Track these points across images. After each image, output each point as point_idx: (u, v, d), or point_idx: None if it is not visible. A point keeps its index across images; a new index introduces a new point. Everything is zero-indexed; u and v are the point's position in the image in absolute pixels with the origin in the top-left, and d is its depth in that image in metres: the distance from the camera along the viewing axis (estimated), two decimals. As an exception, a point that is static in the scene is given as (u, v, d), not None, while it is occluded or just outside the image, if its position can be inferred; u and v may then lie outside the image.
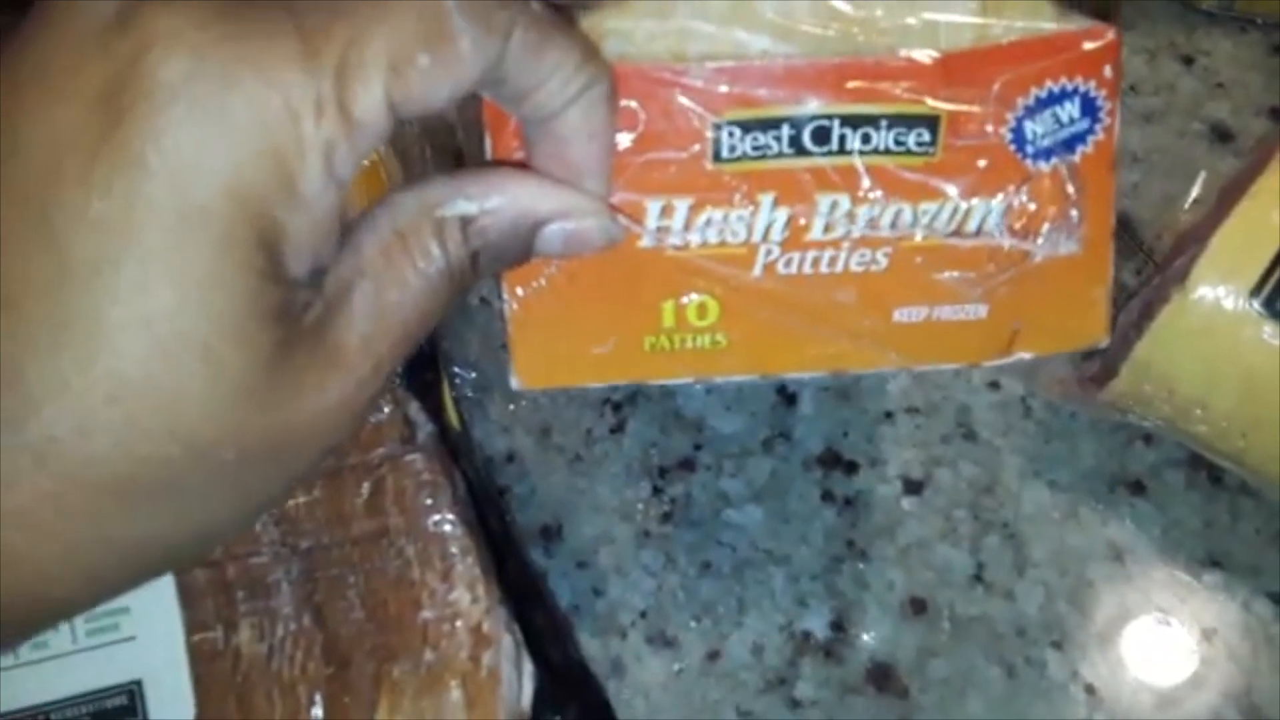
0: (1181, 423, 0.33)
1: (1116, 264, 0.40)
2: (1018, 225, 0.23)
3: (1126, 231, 0.40)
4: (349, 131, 0.16)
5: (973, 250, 0.23)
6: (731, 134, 0.22)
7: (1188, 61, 0.44)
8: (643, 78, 0.21)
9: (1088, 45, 0.22)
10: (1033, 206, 0.23)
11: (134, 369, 0.16)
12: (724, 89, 0.22)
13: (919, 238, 0.23)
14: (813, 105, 0.22)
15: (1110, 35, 0.22)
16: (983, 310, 0.24)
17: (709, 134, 0.22)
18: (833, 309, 0.24)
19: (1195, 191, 0.37)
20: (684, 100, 0.22)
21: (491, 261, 0.20)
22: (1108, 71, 0.23)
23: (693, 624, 0.35)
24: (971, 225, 0.23)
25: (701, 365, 0.24)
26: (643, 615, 0.35)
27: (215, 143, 0.16)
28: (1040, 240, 0.23)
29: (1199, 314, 0.31)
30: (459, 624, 0.30)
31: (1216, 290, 0.31)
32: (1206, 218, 0.33)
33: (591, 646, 0.34)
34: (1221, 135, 0.42)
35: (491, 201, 0.19)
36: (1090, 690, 0.33)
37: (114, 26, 0.16)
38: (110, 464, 0.16)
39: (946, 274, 0.23)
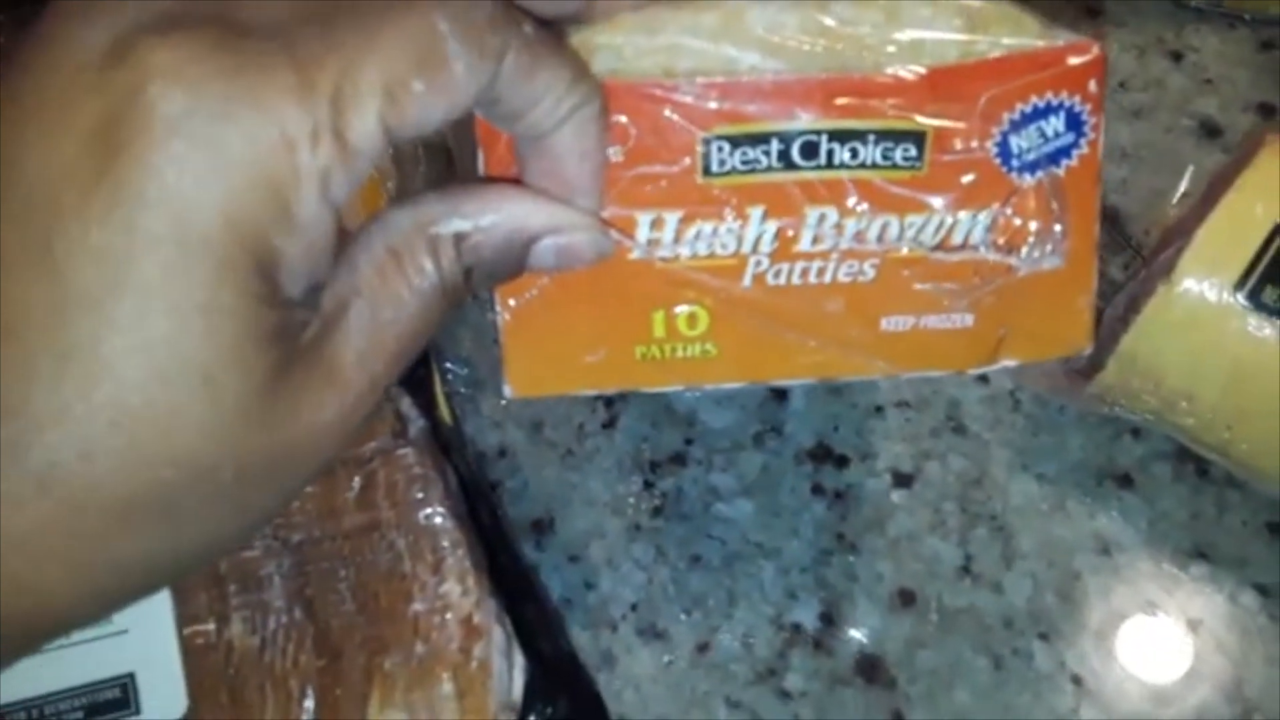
0: (1168, 415, 0.33)
1: (1105, 259, 0.40)
2: (1002, 240, 0.24)
3: (1115, 227, 0.40)
4: (345, 159, 0.17)
5: (958, 263, 0.24)
6: (721, 149, 0.22)
7: (1176, 58, 0.45)
8: (633, 93, 0.22)
9: (1073, 60, 0.23)
10: (1017, 221, 0.23)
11: (135, 395, 0.16)
12: (713, 104, 0.22)
13: (905, 250, 0.23)
14: (801, 121, 0.22)
15: (1095, 51, 0.23)
16: (969, 319, 0.24)
17: (698, 148, 0.22)
18: (821, 318, 0.24)
19: (1183, 186, 0.37)
20: (673, 115, 0.22)
21: (485, 277, 0.20)
22: (1092, 86, 0.23)
23: (683, 616, 0.35)
24: (957, 239, 0.23)
25: (692, 374, 0.24)
26: (633, 608, 0.35)
27: (213, 175, 0.16)
28: (1024, 255, 0.24)
29: (1184, 307, 0.31)
30: (450, 616, 0.30)
31: (1201, 283, 0.31)
32: (1192, 212, 0.33)
33: (582, 639, 0.34)
34: (1209, 131, 0.43)
35: (485, 218, 0.19)
36: (1077, 681, 0.33)
37: (110, 60, 0.16)
38: (113, 487, 0.16)
39: (932, 285, 0.24)
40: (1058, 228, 0.24)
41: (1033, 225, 0.23)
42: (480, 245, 0.19)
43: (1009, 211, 0.23)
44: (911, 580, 0.35)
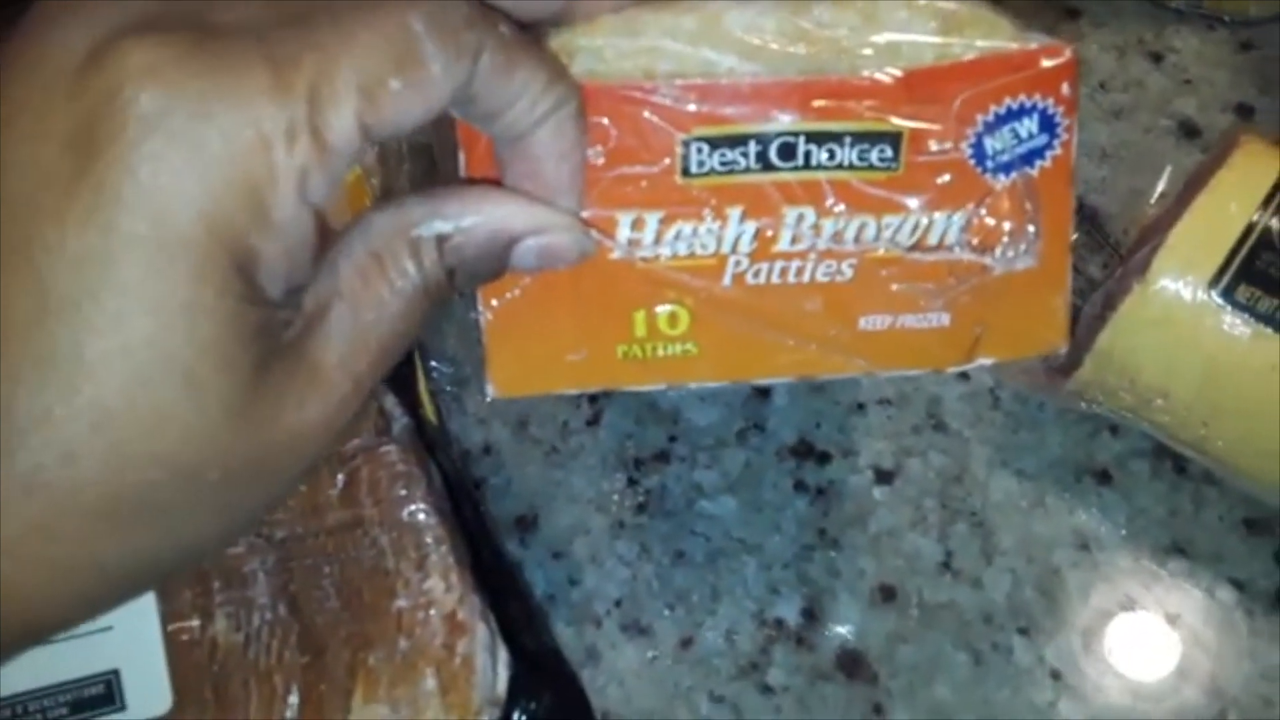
0: (1144, 412, 0.33)
1: (1084, 258, 0.40)
2: (976, 240, 0.24)
3: (1094, 226, 0.41)
4: (322, 158, 0.17)
5: (934, 263, 0.24)
6: (700, 150, 0.23)
7: (1156, 58, 0.45)
8: (613, 95, 0.22)
9: (1046, 63, 0.23)
10: (991, 222, 0.24)
11: (117, 398, 0.16)
12: (692, 106, 0.22)
13: (882, 251, 0.24)
14: (779, 122, 0.22)
15: (1068, 54, 0.23)
16: (945, 318, 0.25)
17: (678, 150, 0.22)
18: (800, 317, 0.24)
19: (1161, 186, 0.37)
20: (653, 117, 0.22)
21: (467, 277, 0.20)
22: (1065, 89, 0.23)
23: (666, 612, 0.35)
24: (932, 239, 0.24)
25: (673, 373, 0.25)
26: (617, 604, 0.35)
27: (190, 174, 0.16)
28: (998, 255, 0.24)
29: (1159, 304, 0.31)
30: (433, 612, 0.30)
31: (1176, 282, 0.31)
32: (1168, 211, 0.34)
33: (566, 635, 0.35)
34: (1188, 131, 0.43)
35: (466, 220, 0.20)
36: (1056, 675, 0.34)
37: (88, 63, 0.16)
38: (97, 490, 0.16)
39: (909, 285, 0.24)
40: (1031, 228, 0.24)
41: (1006, 226, 0.24)
42: (462, 246, 0.20)
43: (983, 212, 0.24)
44: (892, 576, 0.35)
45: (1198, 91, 0.44)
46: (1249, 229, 0.31)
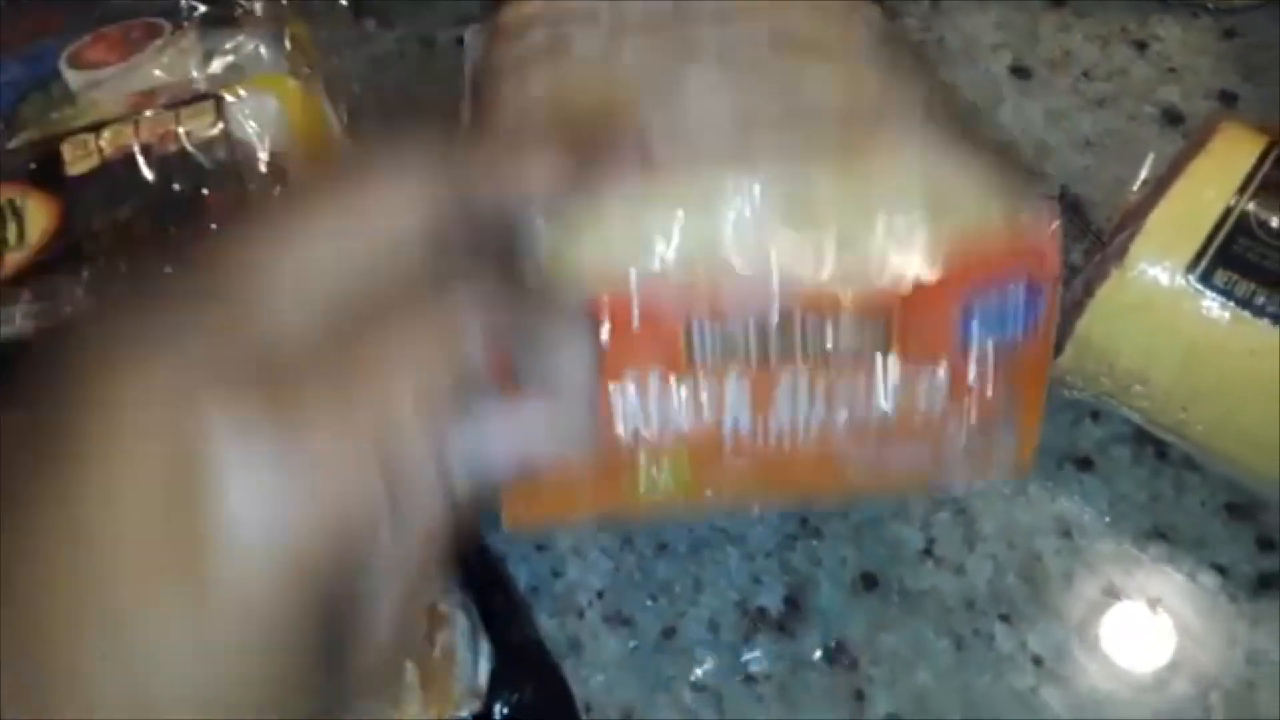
0: (1124, 397, 0.33)
1: (1065, 245, 0.40)
2: (957, 406, 0.26)
3: (1075, 213, 0.41)
4: (403, 494, 0.17)
5: (919, 423, 0.26)
6: (701, 329, 0.24)
7: (1140, 47, 0.45)
8: (618, 281, 0.23)
9: (1032, 239, 0.24)
10: (973, 387, 0.26)
11: None
12: (696, 291, 0.24)
13: (871, 412, 0.26)
14: (777, 311, 0.24)
15: (1053, 226, 0.24)
16: (926, 457, 0.27)
17: (681, 330, 0.24)
18: (795, 470, 0.27)
19: (1144, 173, 0.37)
20: (657, 304, 0.24)
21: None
22: (1049, 259, 0.25)
23: (649, 603, 0.35)
24: (919, 406, 0.26)
25: (678, 511, 0.27)
26: (600, 595, 0.35)
27: (274, 524, 0.16)
28: (976, 420, 0.26)
29: (1137, 289, 0.31)
30: (413, 603, 0.30)
31: (1154, 267, 0.31)
32: (1147, 197, 0.34)
33: (549, 626, 0.35)
34: (1172, 118, 0.43)
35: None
36: (1038, 661, 0.34)
37: (171, 415, 0.16)
38: None
39: (896, 442, 0.26)
40: (1009, 403, 0.26)
41: (988, 392, 0.25)
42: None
43: (968, 379, 0.25)
44: (874, 564, 0.35)
45: (1181, 79, 0.44)
46: (1226, 213, 0.31)
